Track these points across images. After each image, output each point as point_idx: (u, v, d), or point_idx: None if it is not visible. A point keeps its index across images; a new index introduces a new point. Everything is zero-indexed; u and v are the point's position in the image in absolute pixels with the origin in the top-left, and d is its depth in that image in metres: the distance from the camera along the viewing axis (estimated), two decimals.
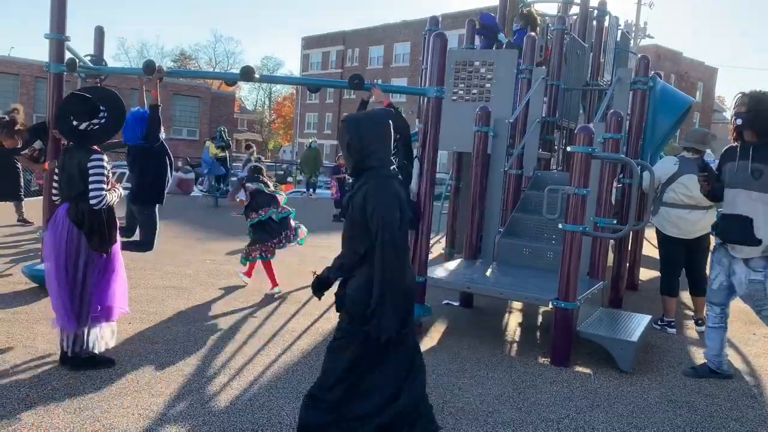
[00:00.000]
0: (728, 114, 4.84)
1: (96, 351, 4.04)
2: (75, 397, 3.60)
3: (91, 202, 3.91)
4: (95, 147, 4.04)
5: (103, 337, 4.08)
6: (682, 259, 6.05)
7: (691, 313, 6.51)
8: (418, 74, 11.53)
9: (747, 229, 4.31)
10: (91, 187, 3.91)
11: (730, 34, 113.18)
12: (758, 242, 4.28)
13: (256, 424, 3.45)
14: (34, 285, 5.81)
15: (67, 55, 5.85)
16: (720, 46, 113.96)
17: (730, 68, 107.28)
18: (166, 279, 6.72)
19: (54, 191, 4.22)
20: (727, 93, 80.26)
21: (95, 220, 3.94)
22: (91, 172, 3.91)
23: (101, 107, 4.05)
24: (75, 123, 3.99)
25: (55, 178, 4.17)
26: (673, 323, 6.07)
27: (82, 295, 3.92)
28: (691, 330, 6.18)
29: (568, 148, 5.06)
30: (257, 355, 4.58)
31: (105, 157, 4.00)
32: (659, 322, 6.04)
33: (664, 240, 6.06)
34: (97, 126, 4.03)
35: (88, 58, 6.29)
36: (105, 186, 3.96)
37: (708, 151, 5.72)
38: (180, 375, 4.07)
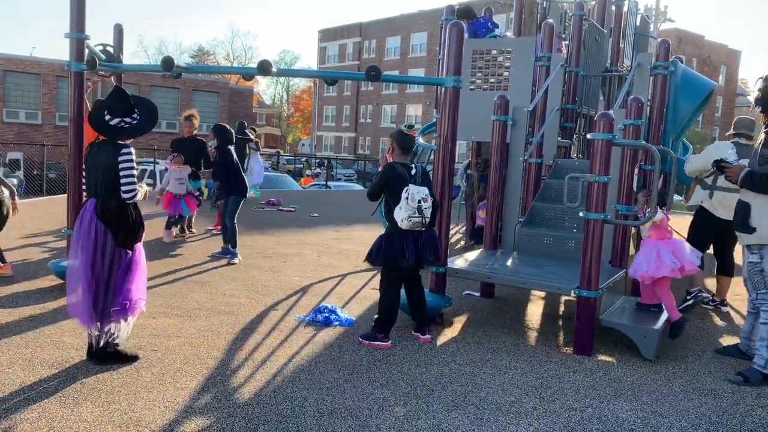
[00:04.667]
0: (751, 98, 4.86)
1: (118, 345, 4.10)
2: (102, 391, 3.66)
3: (125, 196, 3.96)
4: (123, 141, 4.08)
5: (122, 330, 4.13)
6: (713, 238, 6.21)
7: (718, 300, 6.44)
8: (435, 64, 11.47)
9: (744, 216, 4.34)
10: (123, 180, 3.95)
11: (754, 14, 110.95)
12: (752, 230, 4.28)
13: (281, 415, 3.49)
14: (60, 281, 5.91)
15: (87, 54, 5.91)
16: (744, 28, 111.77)
17: (755, 51, 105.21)
18: (188, 273, 6.80)
19: (85, 186, 4.26)
20: (751, 76, 78.92)
21: (122, 216, 3.98)
22: (121, 166, 3.96)
23: (136, 110, 4.09)
24: (107, 118, 4.03)
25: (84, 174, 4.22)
26: (698, 290, 6.21)
27: (107, 292, 3.97)
28: (716, 317, 6.11)
29: (588, 136, 5.01)
30: (280, 347, 4.62)
31: (133, 151, 4.05)
32: (687, 297, 6.08)
33: (707, 220, 6.06)
34: (128, 125, 4.08)
35: (99, 48, 6.26)
36: (136, 179, 4.03)
37: (730, 151, 5.79)
38: (204, 368, 4.12)
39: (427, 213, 4.67)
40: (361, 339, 4.81)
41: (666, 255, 5.01)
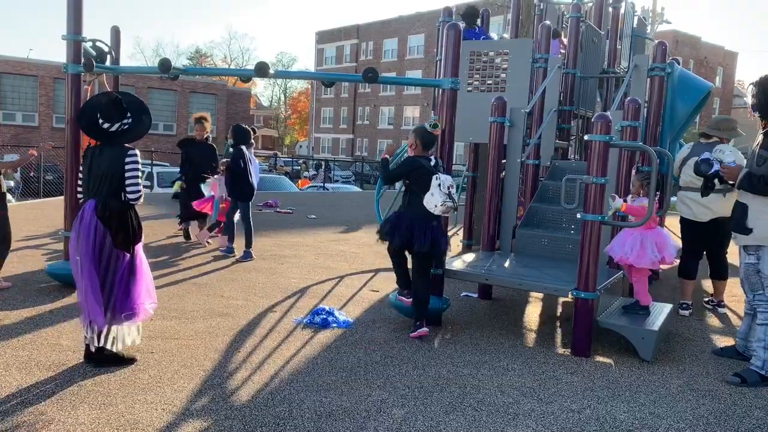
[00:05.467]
0: (747, 99, 4.89)
1: (119, 348, 4.10)
2: (100, 393, 3.66)
3: (130, 197, 4.01)
4: (127, 144, 4.10)
5: (129, 335, 4.15)
6: (701, 242, 6.14)
7: (716, 301, 6.45)
8: (432, 66, 11.45)
9: (742, 217, 4.35)
10: (129, 182, 4.00)
11: (750, 16, 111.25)
12: (748, 231, 4.30)
13: (278, 417, 3.48)
14: (57, 283, 5.90)
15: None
16: (741, 29, 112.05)
17: (752, 52, 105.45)
18: (186, 275, 6.79)
19: (79, 189, 4.25)
20: (748, 77, 79.14)
21: (122, 218, 4.00)
22: (128, 167, 4.00)
23: (128, 111, 4.10)
24: (106, 126, 4.04)
25: (80, 175, 4.21)
26: (684, 305, 6.17)
27: (107, 293, 3.97)
28: (713, 318, 6.12)
29: (586, 137, 5.02)
30: (277, 349, 4.61)
31: (139, 153, 4.08)
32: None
33: (681, 222, 6.22)
34: (126, 126, 4.09)
35: (90, 44, 6.19)
36: (141, 181, 4.05)
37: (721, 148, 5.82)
38: (202, 370, 4.12)
39: (455, 197, 5.02)
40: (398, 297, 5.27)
41: (649, 246, 5.11)
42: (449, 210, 4.99)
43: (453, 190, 5.01)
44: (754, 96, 4.38)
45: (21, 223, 9.29)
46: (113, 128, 4.05)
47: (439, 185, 4.91)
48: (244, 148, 7.98)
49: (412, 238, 4.96)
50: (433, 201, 4.91)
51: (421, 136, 5.16)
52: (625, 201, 5.32)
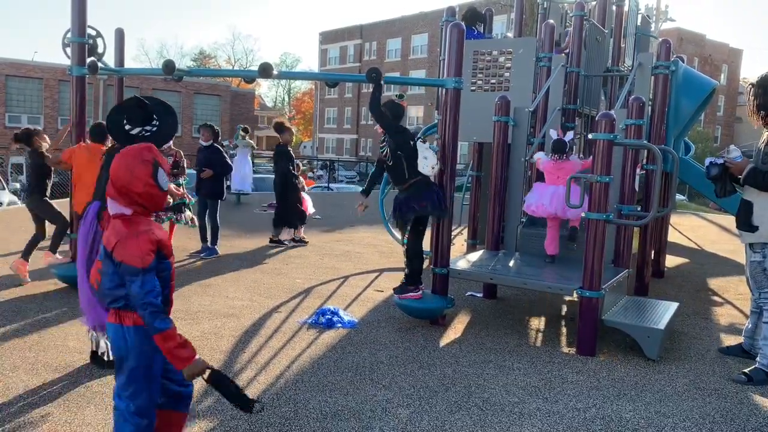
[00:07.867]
0: (747, 99, 4.78)
1: (110, 355, 4.08)
2: (106, 395, 3.66)
3: None
4: None
5: None
6: None
7: (721, 301, 6.42)
8: (436, 65, 11.46)
9: (747, 214, 4.34)
10: None
11: (755, 13, 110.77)
12: (754, 229, 4.28)
13: (284, 417, 3.49)
14: (64, 285, 5.92)
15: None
16: (745, 26, 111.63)
17: (756, 49, 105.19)
18: (191, 276, 6.80)
19: None
20: (753, 75, 78.69)
21: None
22: None
23: (155, 116, 4.07)
24: (128, 127, 4.01)
25: None
26: None
27: None
28: (720, 317, 6.10)
29: (590, 136, 5.01)
30: (282, 350, 4.62)
31: None
32: None
33: None
34: (148, 134, 4.05)
35: (93, 33, 6.11)
36: None
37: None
38: None
39: None
40: (398, 296, 5.27)
41: (549, 198, 5.67)
42: (437, 173, 5.21)
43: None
44: (757, 97, 4.34)
45: (29, 225, 9.31)
46: (134, 131, 4.01)
47: (429, 146, 5.14)
48: (220, 147, 8.40)
49: (426, 207, 5.10)
50: (429, 162, 5.12)
51: (390, 108, 5.28)
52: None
